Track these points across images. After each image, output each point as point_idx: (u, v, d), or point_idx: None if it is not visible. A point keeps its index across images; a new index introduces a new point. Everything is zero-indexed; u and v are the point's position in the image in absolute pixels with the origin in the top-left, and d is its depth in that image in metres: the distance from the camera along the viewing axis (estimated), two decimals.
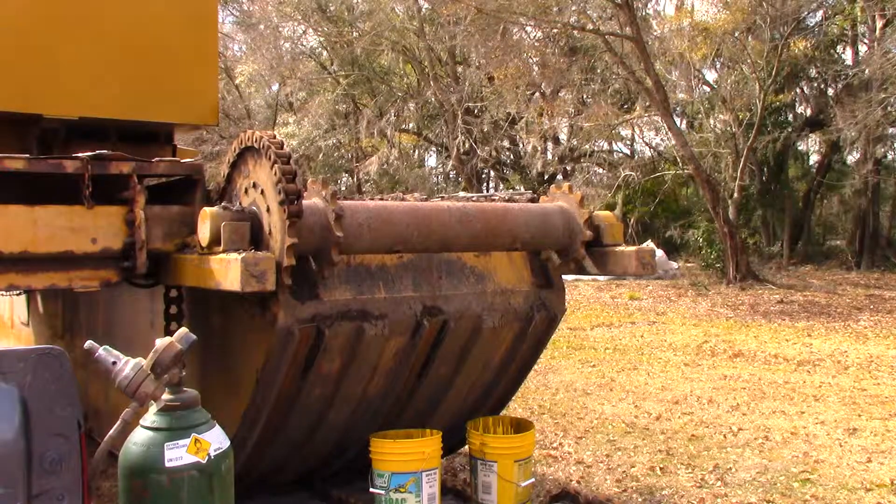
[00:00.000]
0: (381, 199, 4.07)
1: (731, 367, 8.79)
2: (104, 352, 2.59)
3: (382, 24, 23.94)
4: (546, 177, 26.49)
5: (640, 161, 27.05)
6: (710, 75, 24.01)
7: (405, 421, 4.07)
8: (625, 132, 28.26)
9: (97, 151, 3.53)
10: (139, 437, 2.48)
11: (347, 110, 28.03)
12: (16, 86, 3.99)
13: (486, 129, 25.58)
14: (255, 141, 3.25)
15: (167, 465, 2.41)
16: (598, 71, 24.59)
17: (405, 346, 3.71)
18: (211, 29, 4.57)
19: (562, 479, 4.95)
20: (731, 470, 5.11)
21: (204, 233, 3.20)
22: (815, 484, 4.83)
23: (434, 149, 29.00)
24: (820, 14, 21.08)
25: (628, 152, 29.53)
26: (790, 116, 25.07)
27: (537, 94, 24.99)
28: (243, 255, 2.96)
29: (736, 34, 18.64)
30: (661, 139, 26.73)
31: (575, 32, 21.40)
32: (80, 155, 3.47)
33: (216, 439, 2.53)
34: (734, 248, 18.31)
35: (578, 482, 4.86)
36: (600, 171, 28.38)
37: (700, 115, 23.66)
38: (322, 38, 28.06)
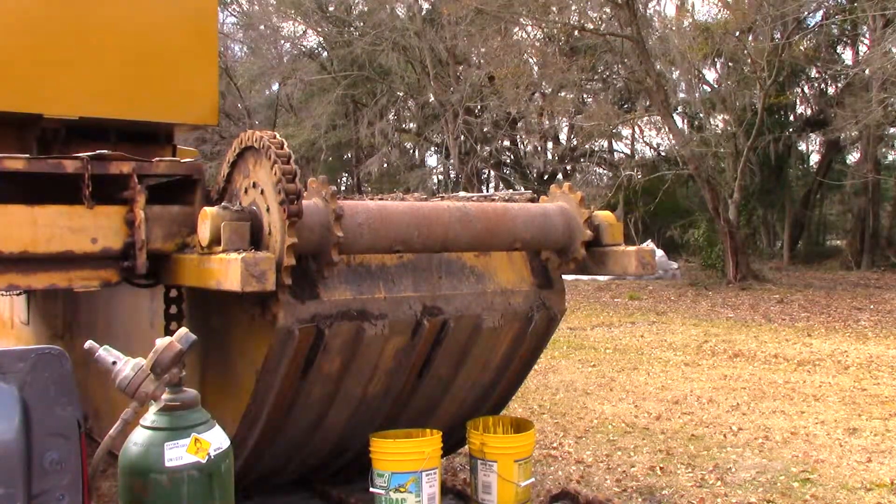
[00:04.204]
0: (381, 199, 4.06)
1: (731, 367, 8.79)
2: (104, 352, 2.59)
3: (382, 24, 23.94)
4: (546, 177, 26.50)
5: (641, 161, 27.07)
6: (711, 75, 24.05)
7: (405, 421, 4.07)
8: (625, 132, 28.30)
9: (97, 151, 3.53)
10: (139, 437, 2.48)
11: (347, 110, 28.03)
12: (16, 86, 3.99)
13: (486, 129, 25.59)
14: (256, 141, 3.25)
15: (167, 464, 2.41)
16: (599, 71, 24.61)
17: (405, 346, 3.71)
18: (211, 29, 4.57)
19: (562, 478, 4.95)
20: (731, 470, 5.11)
21: (204, 233, 3.20)
22: (815, 484, 4.83)
23: (434, 149, 29.00)
24: (820, 14, 21.08)
25: (628, 152, 29.54)
26: (790, 116, 25.08)
27: (537, 94, 24.99)
28: (243, 254, 2.96)
29: (736, 34, 18.63)
30: (662, 139, 26.75)
31: (575, 32, 21.41)
32: (80, 155, 3.47)
33: (216, 439, 2.53)
34: (734, 247, 18.31)
35: (578, 482, 4.86)
36: (600, 170, 28.43)
37: (700, 115, 23.67)
38: (322, 38, 28.07)
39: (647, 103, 21.65)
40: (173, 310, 3.79)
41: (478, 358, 4.04)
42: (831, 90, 24.17)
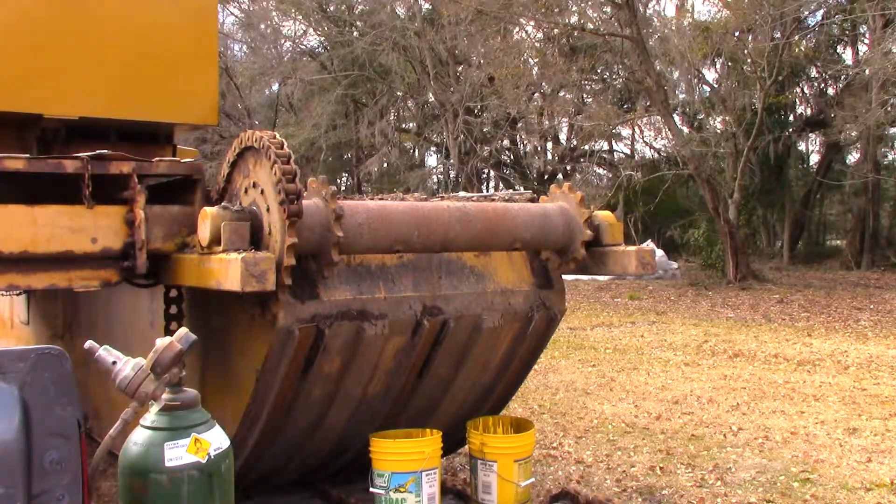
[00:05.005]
0: (381, 199, 4.06)
1: (731, 367, 8.79)
2: (104, 352, 2.59)
3: (383, 24, 23.94)
4: (546, 177, 26.50)
5: (641, 161, 27.07)
6: (710, 75, 24.05)
7: (405, 421, 4.07)
8: (625, 132, 28.30)
9: (97, 151, 3.53)
10: (139, 437, 2.48)
11: (347, 110, 28.03)
12: (16, 86, 3.99)
13: (486, 129, 25.58)
14: (256, 141, 3.25)
15: (167, 464, 2.41)
16: (598, 71, 24.61)
17: (405, 346, 3.71)
18: (211, 29, 4.57)
19: (562, 478, 4.95)
20: (731, 470, 5.11)
21: (204, 233, 3.20)
22: (815, 484, 4.83)
23: (434, 149, 29.00)
24: (820, 14, 21.09)
25: (628, 152, 29.54)
26: (790, 116, 25.07)
27: (537, 94, 24.99)
28: (243, 254, 2.96)
29: (736, 34, 18.63)
30: (662, 139, 26.75)
31: (575, 32, 21.41)
32: (80, 155, 3.47)
33: (216, 439, 2.53)
34: (734, 247, 18.31)
35: (578, 482, 4.86)
36: (600, 170, 28.42)
37: (700, 115, 23.66)
38: (322, 38, 28.07)
39: (647, 103, 21.65)
40: (173, 310, 3.79)
41: (478, 358, 4.04)
42: (831, 90, 24.18)
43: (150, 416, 2.52)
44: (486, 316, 3.87)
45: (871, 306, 14.22)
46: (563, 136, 28.28)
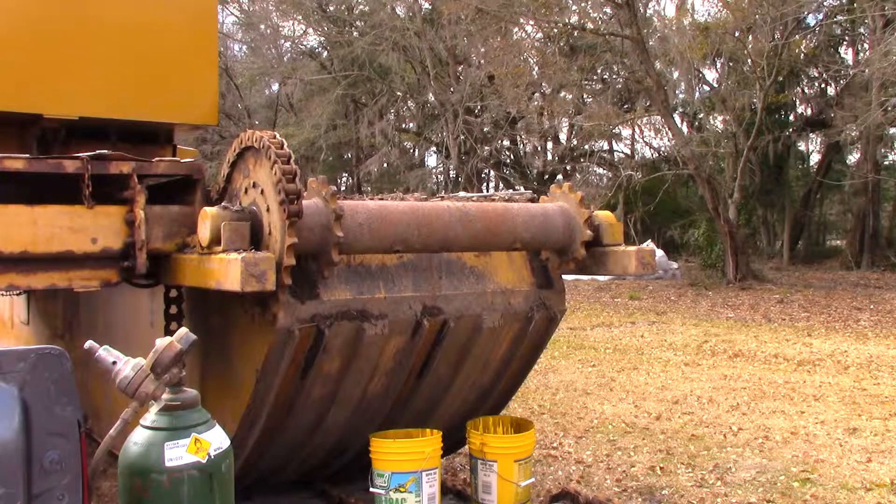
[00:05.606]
0: (381, 199, 4.06)
1: (731, 367, 8.79)
2: (104, 352, 2.59)
3: (382, 24, 23.94)
4: (546, 177, 26.50)
5: (641, 161, 27.07)
6: (711, 75, 24.04)
7: (405, 421, 4.07)
8: (625, 132, 28.30)
9: (97, 151, 3.53)
10: (139, 437, 2.48)
11: (347, 110, 28.03)
12: (16, 86, 3.99)
13: (486, 129, 25.58)
14: (256, 141, 3.25)
15: (167, 464, 2.41)
16: (598, 71, 24.61)
17: (405, 346, 3.71)
18: (211, 29, 4.57)
19: (562, 478, 4.95)
20: (731, 470, 5.11)
21: (204, 233, 3.20)
22: (815, 484, 4.83)
23: (434, 149, 28.99)
24: (820, 14, 21.08)
25: (628, 152, 29.54)
26: (790, 116, 25.07)
27: (537, 94, 24.99)
28: (243, 254, 2.96)
29: (736, 34, 18.63)
30: (662, 139, 26.75)
31: (575, 32, 21.42)
32: (80, 155, 3.47)
33: (216, 439, 2.53)
34: (734, 247, 18.31)
35: (578, 482, 4.86)
36: (600, 170, 28.42)
37: (700, 115, 23.64)
38: (322, 38, 28.08)
39: (647, 103, 21.65)
40: (173, 310, 3.79)
41: (478, 358, 4.04)
42: (831, 90, 24.18)
43: (150, 416, 2.52)
44: (486, 316, 3.87)
45: (871, 306, 14.22)
46: (563, 136, 28.28)
